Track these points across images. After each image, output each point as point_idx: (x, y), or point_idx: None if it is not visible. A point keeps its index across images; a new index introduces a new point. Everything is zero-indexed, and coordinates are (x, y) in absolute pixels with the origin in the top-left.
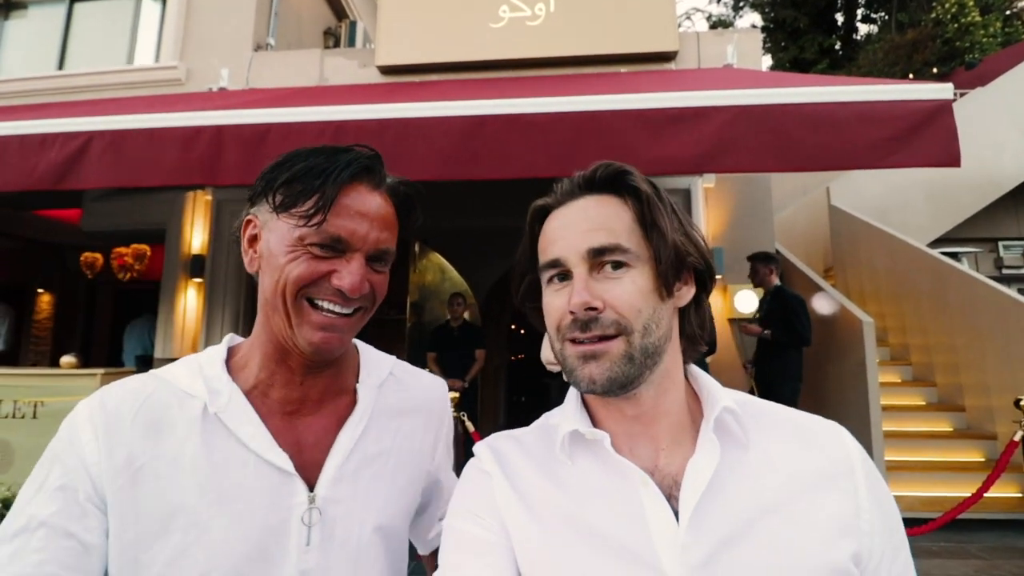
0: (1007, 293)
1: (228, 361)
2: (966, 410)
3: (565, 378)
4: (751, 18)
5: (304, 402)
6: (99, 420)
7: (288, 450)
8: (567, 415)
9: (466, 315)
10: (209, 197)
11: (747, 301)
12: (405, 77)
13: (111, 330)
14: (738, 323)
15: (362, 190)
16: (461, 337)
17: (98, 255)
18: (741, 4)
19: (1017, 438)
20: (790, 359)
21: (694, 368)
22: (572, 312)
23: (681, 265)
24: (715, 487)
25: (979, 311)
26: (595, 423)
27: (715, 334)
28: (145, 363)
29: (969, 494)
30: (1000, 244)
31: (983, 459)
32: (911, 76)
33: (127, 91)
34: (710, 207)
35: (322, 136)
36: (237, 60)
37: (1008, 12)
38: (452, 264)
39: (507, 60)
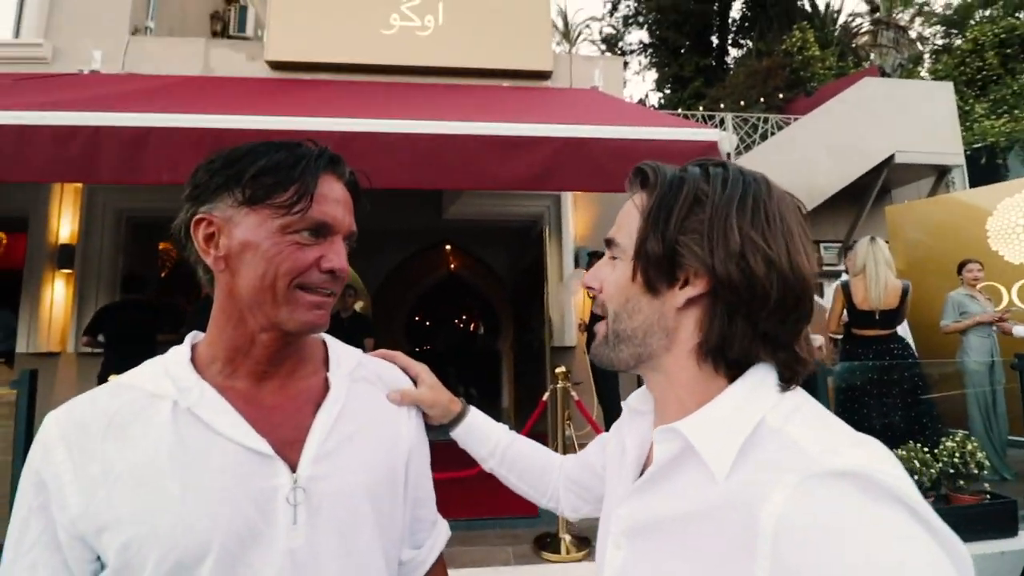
0: None
1: (192, 359)
2: None
3: None
4: (639, 35)
5: (271, 390)
6: (72, 437)
7: (264, 436)
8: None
9: (356, 306)
10: (80, 184)
11: None
12: (295, 74)
13: None
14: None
15: (331, 179)
16: (351, 327)
17: None
18: (630, 22)
19: (545, 398)
20: None
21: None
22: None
23: (672, 264)
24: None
25: None
26: None
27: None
28: (7, 356)
29: None
30: (821, 245)
31: None
32: (762, 100)
33: None
34: (578, 210)
35: (202, 142)
36: (112, 42)
37: (840, 48)
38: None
39: (396, 66)
